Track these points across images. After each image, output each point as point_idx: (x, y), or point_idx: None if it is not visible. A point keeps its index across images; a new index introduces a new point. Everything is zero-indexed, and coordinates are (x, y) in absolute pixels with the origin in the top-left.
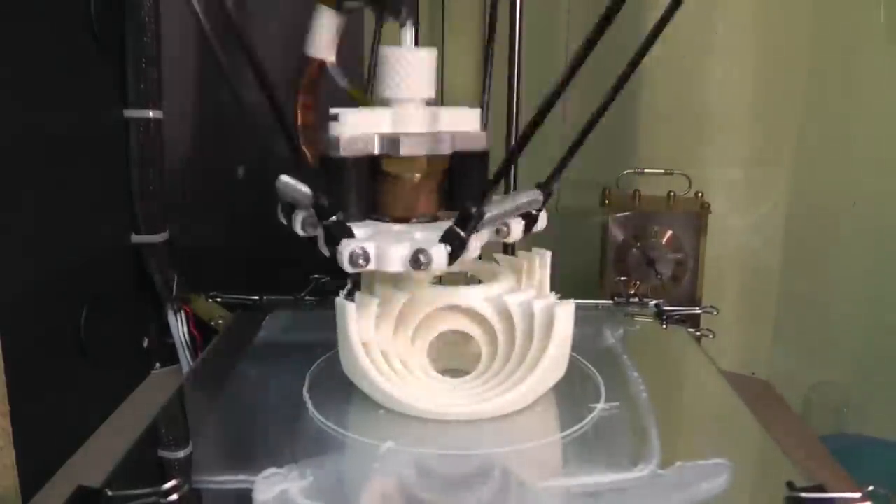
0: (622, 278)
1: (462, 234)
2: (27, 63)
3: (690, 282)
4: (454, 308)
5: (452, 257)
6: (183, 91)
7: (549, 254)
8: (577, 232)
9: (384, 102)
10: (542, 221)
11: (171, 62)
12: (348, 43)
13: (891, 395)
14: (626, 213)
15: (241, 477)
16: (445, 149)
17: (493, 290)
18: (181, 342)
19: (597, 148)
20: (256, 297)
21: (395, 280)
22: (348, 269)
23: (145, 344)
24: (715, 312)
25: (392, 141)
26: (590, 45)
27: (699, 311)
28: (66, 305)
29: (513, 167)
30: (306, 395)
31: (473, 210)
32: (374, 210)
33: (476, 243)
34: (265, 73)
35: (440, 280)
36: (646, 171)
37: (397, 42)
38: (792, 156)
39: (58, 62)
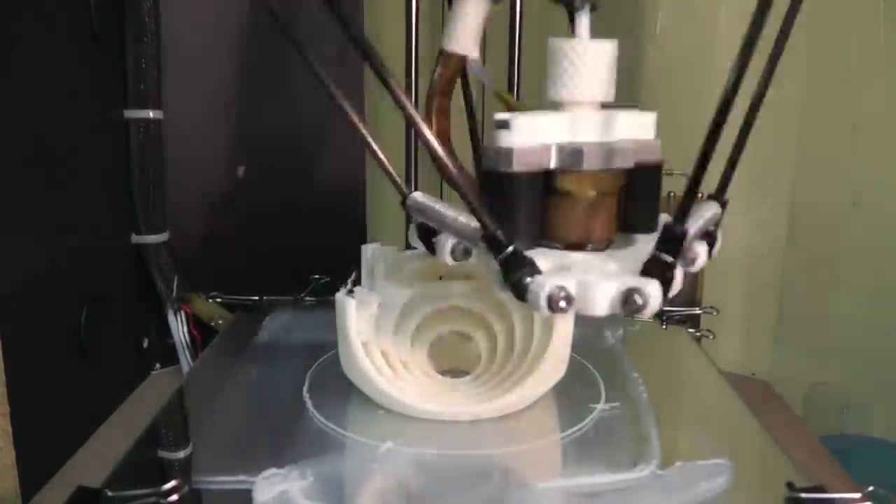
0: None
1: (670, 259)
2: (27, 63)
3: (690, 282)
4: (454, 308)
5: (666, 294)
6: (183, 91)
7: None
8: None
9: (549, 105)
10: (719, 241)
11: (171, 62)
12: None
13: (891, 395)
14: None
15: (241, 477)
16: (628, 161)
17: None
18: (181, 342)
19: None
20: (256, 297)
21: (399, 278)
22: (545, 313)
23: (145, 344)
24: (715, 313)
25: (574, 152)
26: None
27: (699, 312)
28: (66, 305)
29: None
30: (306, 395)
31: (677, 228)
32: (542, 236)
33: (679, 274)
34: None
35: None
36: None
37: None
38: (792, 156)
39: (58, 62)
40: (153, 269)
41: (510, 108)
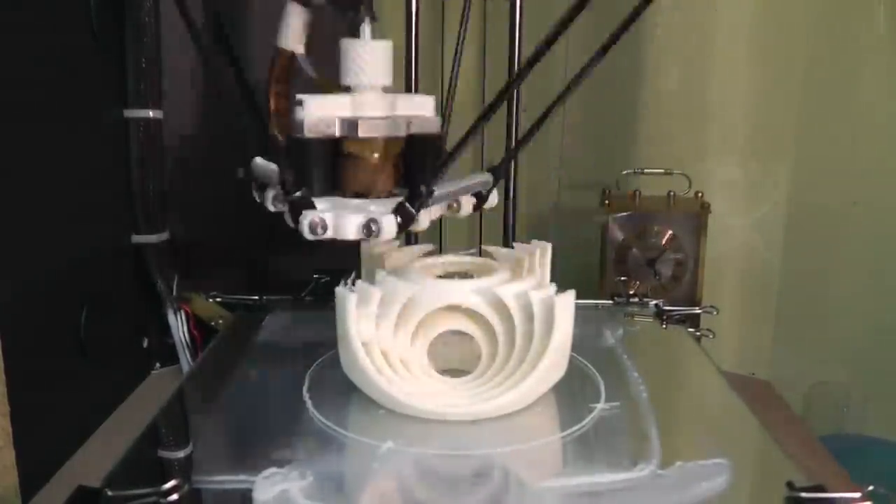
0: (622, 278)
1: (410, 208)
2: (27, 63)
3: (690, 282)
4: (454, 308)
5: (402, 227)
6: (183, 91)
7: (549, 246)
8: (577, 232)
9: (347, 90)
10: (492, 199)
11: (171, 62)
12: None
13: (891, 395)
14: (626, 214)
15: (241, 477)
16: (401, 131)
17: (489, 284)
18: (181, 342)
19: (597, 148)
20: (256, 297)
21: (399, 272)
22: (308, 236)
23: (145, 344)
24: (715, 312)
25: (351, 123)
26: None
27: (699, 311)
28: (66, 305)
29: (513, 162)
30: (306, 395)
31: (423, 188)
32: (336, 188)
33: (426, 217)
34: (239, 63)
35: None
36: (646, 171)
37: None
38: (792, 156)
39: (58, 62)
40: (153, 269)
41: (329, 92)
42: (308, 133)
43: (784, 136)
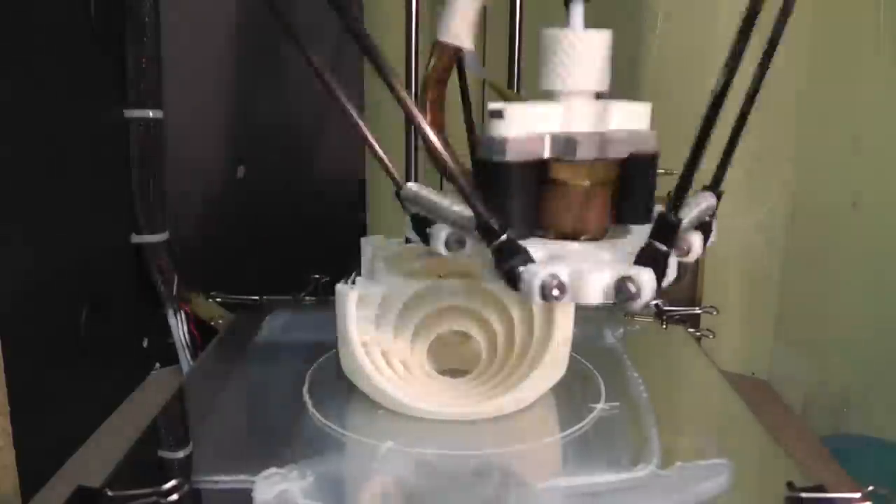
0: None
1: (664, 249)
2: (27, 63)
3: (690, 282)
4: (454, 308)
5: (658, 283)
6: (183, 91)
7: None
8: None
9: (545, 96)
10: (714, 232)
11: (172, 62)
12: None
13: (891, 395)
14: None
15: (241, 477)
16: (622, 151)
17: (489, 284)
18: (181, 342)
19: None
20: (256, 297)
21: (400, 272)
22: (538, 301)
23: (145, 344)
24: (715, 312)
25: (568, 142)
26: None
27: (699, 311)
28: (66, 305)
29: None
30: (306, 395)
31: (672, 217)
32: (536, 226)
33: (674, 260)
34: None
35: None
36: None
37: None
38: (792, 156)
39: (58, 62)
40: (153, 269)
41: (505, 99)
42: (511, 155)
43: (784, 135)
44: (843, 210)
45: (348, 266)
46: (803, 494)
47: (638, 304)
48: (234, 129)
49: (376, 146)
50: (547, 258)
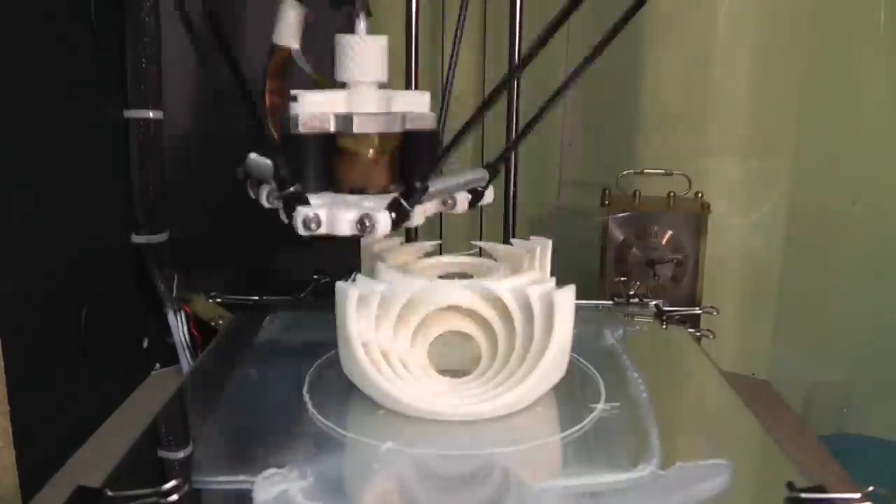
0: (622, 278)
1: (405, 204)
2: (27, 63)
3: (690, 282)
4: (454, 308)
5: (396, 223)
6: (183, 91)
7: (549, 242)
8: (577, 232)
9: (342, 87)
10: (488, 196)
11: (171, 62)
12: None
13: (891, 395)
14: (626, 214)
15: (241, 477)
16: (396, 127)
17: (489, 284)
18: (181, 342)
19: (597, 148)
20: (256, 297)
21: (400, 272)
22: (302, 231)
23: (145, 344)
24: (715, 312)
25: (346, 119)
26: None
27: (699, 312)
28: (66, 305)
29: (513, 161)
30: (306, 395)
31: (418, 184)
32: (332, 184)
33: (421, 213)
34: (234, 59)
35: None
36: (646, 171)
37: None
38: (792, 156)
39: (58, 62)
40: (153, 269)
41: (321, 87)
42: (303, 129)
43: (784, 135)
44: (843, 210)
45: (348, 266)
46: (803, 494)
47: (377, 234)
48: (235, 129)
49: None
50: (321, 204)
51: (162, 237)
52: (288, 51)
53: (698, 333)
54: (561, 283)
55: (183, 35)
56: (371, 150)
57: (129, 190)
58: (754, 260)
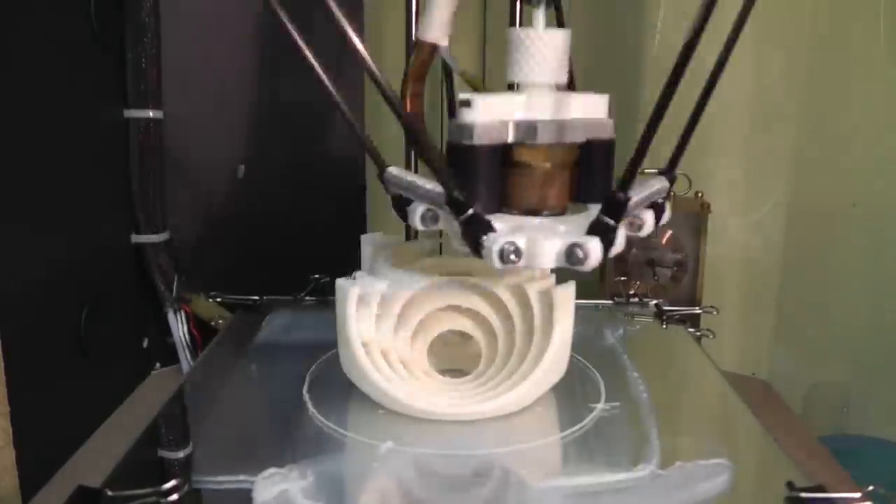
0: (622, 278)
1: (612, 223)
2: (27, 63)
3: (690, 282)
4: (454, 308)
5: (605, 251)
6: (183, 91)
7: None
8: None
9: (510, 88)
10: (667, 212)
11: (171, 62)
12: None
13: (891, 395)
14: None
15: (241, 477)
16: (579, 137)
17: (489, 283)
18: (181, 342)
19: None
20: (256, 297)
21: (400, 272)
22: (498, 265)
23: (145, 344)
24: (715, 312)
25: (529, 128)
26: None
27: (699, 311)
28: (66, 305)
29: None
30: (306, 395)
31: (620, 195)
32: (503, 203)
33: (622, 233)
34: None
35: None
36: (646, 171)
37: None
38: (792, 156)
39: (58, 62)
40: (153, 269)
41: (475, 90)
42: (478, 140)
43: (784, 136)
44: (843, 211)
45: (348, 266)
46: (803, 494)
47: (587, 267)
48: (235, 129)
49: (358, 130)
50: (508, 229)
51: (162, 237)
52: (435, 47)
53: (698, 333)
54: (560, 282)
55: (183, 35)
56: (548, 164)
57: (129, 190)
58: (754, 260)
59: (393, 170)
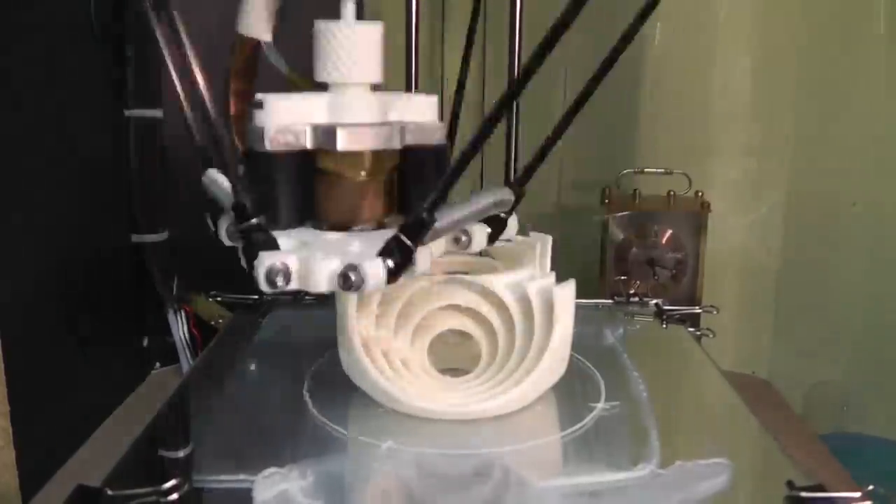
0: (622, 278)
1: (409, 243)
2: (27, 63)
3: (690, 281)
4: (454, 307)
5: (393, 274)
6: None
7: (549, 238)
8: (577, 232)
9: (323, 88)
10: (511, 227)
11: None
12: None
13: (891, 395)
14: (626, 213)
15: (241, 477)
16: (394, 142)
17: (489, 283)
18: (181, 342)
19: (597, 148)
20: (256, 297)
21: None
22: (266, 288)
23: (145, 344)
24: (715, 312)
25: (327, 132)
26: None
27: (699, 311)
28: (66, 305)
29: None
30: (306, 395)
31: (424, 215)
32: (309, 217)
33: (425, 256)
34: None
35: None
36: (646, 170)
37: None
38: (792, 156)
39: (58, 62)
40: (153, 268)
41: (299, 89)
42: (270, 145)
43: (784, 136)
44: (843, 210)
45: None
46: (803, 494)
47: (367, 290)
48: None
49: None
50: (295, 246)
51: (162, 237)
52: (257, 43)
53: (698, 332)
54: (560, 281)
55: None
56: (361, 173)
57: (129, 190)
58: (754, 259)
59: (211, 172)
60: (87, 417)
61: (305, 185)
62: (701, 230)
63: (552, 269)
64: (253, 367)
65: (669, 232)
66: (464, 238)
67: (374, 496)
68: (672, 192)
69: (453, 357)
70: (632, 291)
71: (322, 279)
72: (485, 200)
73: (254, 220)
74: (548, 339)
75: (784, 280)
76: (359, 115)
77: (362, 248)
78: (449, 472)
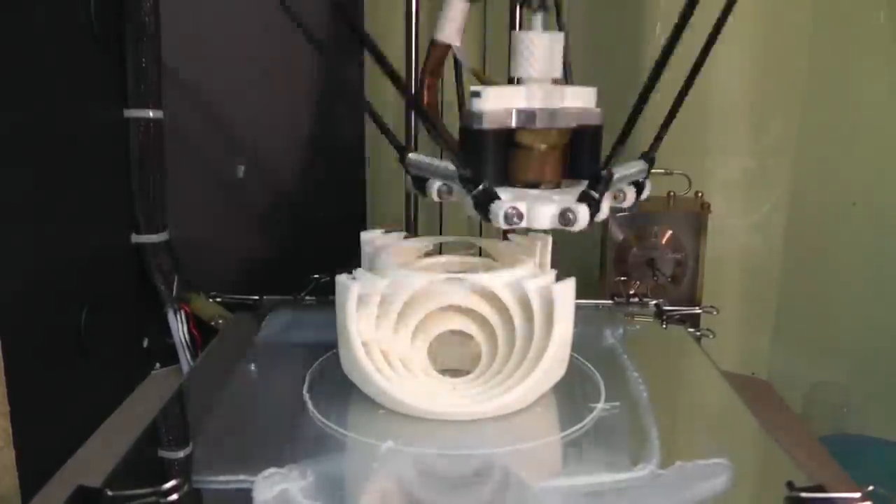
0: (622, 278)
1: (596, 195)
2: (27, 63)
3: (690, 282)
4: (454, 308)
5: (592, 216)
6: (183, 91)
7: (549, 238)
8: (576, 232)
9: (514, 82)
10: (647, 189)
11: (171, 62)
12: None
13: (891, 395)
14: (626, 213)
15: (241, 477)
16: (571, 122)
17: (489, 283)
18: (181, 342)
19: None
20: (256, 297)
21: (399, 272)
22: (503, 226)
23: (145, 344)
24: (715, 312)
25: (529, 115)
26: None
27: (699, 311)
28: (66, 305)
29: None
30: (306, 395)
31: (604, 172)
32: (507, 178)
33: (606, 205)
34: (384, 56)
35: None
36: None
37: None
38: (792, 156)
39: (58, 62)
40: (153, 269)
41: (482, 83)
42: (486, 124)
43: (784, 136)
44: (843, 210)
45: (348, 267)
46: (803, 494)
47: (576, 228)
48: (234, 129)
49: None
50: (511, 198)
51: (162, 237)
52: (448, 47)
53: (698, 333)
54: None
55: (183, 35)
56: (544, 146)
57: (129, 190)
58: (754, 260)
59: (413, 155)
60: (87, 417)
61: (505, 155)
62: (701, 231)
63: (552, 268)
64: (253, 367)
65: (669, 232)
66: (620, 195)
67: (373, 496)
68: (672, 193)
69: (453, 358)
70: (632, 292)
71: (546, 218)
72: (633, 167)
73: (480, 186)
74: (548, 339)
75: (784, 281)
76: (546, 102)
77: (562, 198)
78: (449, 473)
